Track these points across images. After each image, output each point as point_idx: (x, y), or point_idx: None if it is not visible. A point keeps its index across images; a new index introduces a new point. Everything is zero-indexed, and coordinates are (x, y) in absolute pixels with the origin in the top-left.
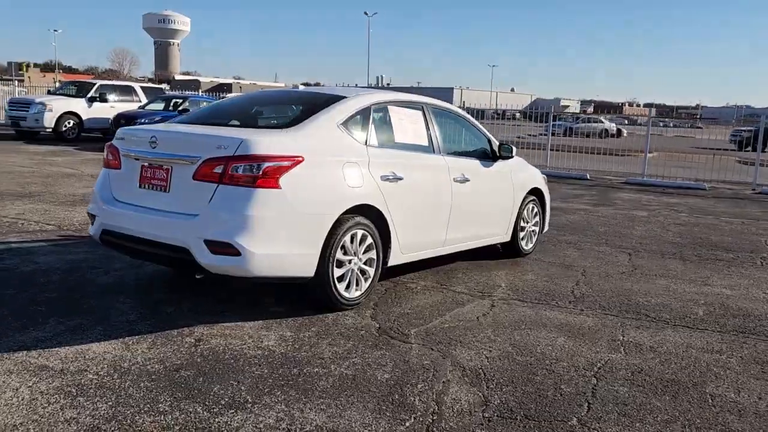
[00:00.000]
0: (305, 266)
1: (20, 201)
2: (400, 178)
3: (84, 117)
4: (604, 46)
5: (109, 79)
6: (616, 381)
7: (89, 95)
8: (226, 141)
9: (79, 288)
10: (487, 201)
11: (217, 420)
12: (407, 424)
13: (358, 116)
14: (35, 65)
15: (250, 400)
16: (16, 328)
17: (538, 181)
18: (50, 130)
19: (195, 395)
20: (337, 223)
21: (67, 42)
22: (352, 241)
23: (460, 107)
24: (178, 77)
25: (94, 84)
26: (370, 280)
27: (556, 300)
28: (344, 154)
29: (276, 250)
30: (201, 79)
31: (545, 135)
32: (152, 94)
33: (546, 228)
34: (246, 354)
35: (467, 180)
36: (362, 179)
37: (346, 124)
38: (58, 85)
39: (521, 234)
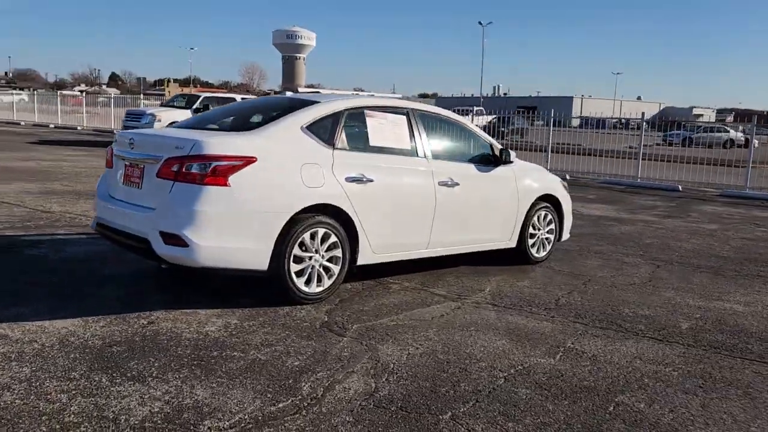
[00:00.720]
0: (256, 260)
1: (92, 200)
2: (371, 180)
3: None
4: (748, 50)
5: (240, 92)
6: (523, 383)
7: (194, 106)
8: (184, 142)
9: (83, 276)
10: (484, 205)
11: (112, 389)
12: (280, 405)
13: (327, 120)
14: (175, 81)
15: (154, 375)
16: (6, 304)
17: (552, 187)
18: None
19: (109, 368)
20: (293, 221)
21: (206, 59)
22: (312, 239)
23: (578, 116)
24: (301, 89)
25: (200, 96)
26: (334, 277)
27: (532, 306)
28: (305, 155)
29: (223, 243)
30: (321, 90)
31: (660, 144)
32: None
33: (565, 236)
34: (182, 336)
35: (456, 184)
36: (323, 180)
37: (311, 127)
38: (168, 97)
39: (531, 241)
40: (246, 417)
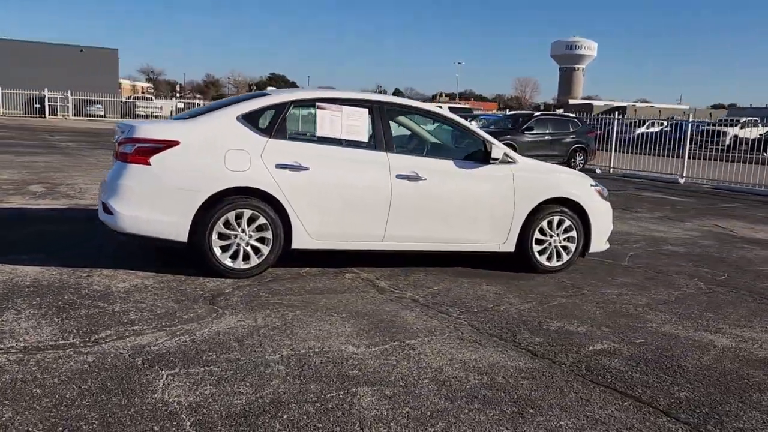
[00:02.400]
0: (174, 232)
1: None
2: (305, 168)
3: None
4: None
5: (514, 106)
6: (302, 364)
7: None
8: (127, 127)
9: (82, 237)
10: (463, 203)
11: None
12: (68, 341)
13: (268, 111)
14: (447, 95)
15: (8, 306)
16: (19, 252)
17: (569, 191)
18: None
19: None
20: (214, 200)
21: (481, 73)
22: (238, 219)
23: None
24: (572, 101)
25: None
26: (263, 257)
27: (460, 310)
28: (234, 142)
29: (142, 214)
30: (596, 102)
31: None
32: (462, 115)
33: (598, 247)
34: (80, 286)
35: (421, 179)
36: (249, 164)
37: (247, 117)
38: None
39: (538, 247)
40: (35, 343)
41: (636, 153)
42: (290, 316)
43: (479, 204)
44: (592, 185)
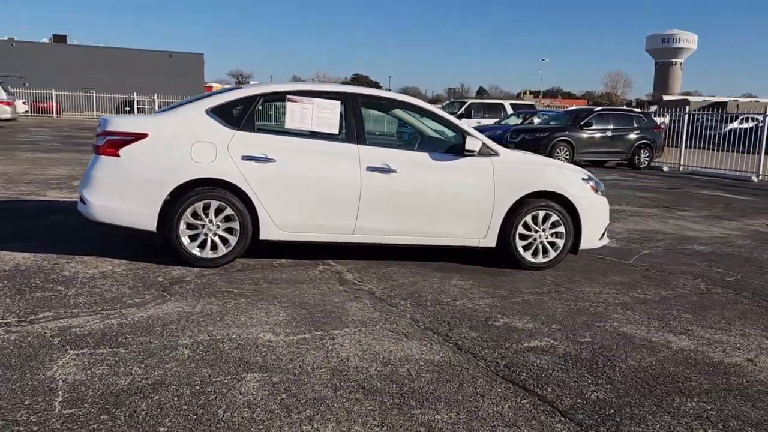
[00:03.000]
0: (143, 221)
1: None
2: (272, 160)
3: None
4: None
5: (603, 103)
6: (200, 354)
7: (458, 112)
8: (102, 121)
9: (91, 228)
10: (437, 196)
11: None
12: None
13: (238, 105)
14: (531, 92)
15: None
16: (14, 239)
17: (557, 185)
18: None
19: None
20: (182, 191)
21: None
22: (206, 209)
23: None
24: (667, 98)
25: (466, 102)
26: (231, 247)
27: (411, 303)
28: (201, 135)
29: (112, 204)
30: (693, 98)
31: None
32: (525, 112)
33: (592, 243)
34: (52, 271)
35: (393, 171)
36: (215, 156)
37: (215, 110)
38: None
39: (522, 242)
40: None
41: (720, 150)
42: (231, 304)
43: (456, 197)
44: (583, 179)
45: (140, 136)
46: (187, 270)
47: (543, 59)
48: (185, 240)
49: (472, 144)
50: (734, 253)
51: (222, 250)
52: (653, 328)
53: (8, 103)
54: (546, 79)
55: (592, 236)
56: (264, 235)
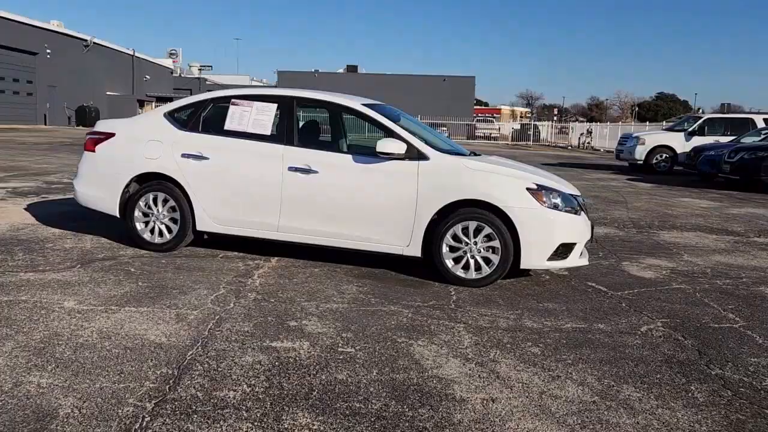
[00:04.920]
0: (109, 207)
1: None
2: (206, 158)
3: (678, 150)
4: None
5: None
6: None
7: (690, 129)
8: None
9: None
10: (357, 199)
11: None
12: None
13: (188, 108)
14: None
15: None
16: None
17: (489, 193)
18: (641, 162)
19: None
20: (135, 182)
21: None
22: (155, 200)
23: None
24: None
25: (701, 117)
26: (174, 234)
27: (255, 295)
28: (154, 135)
29: (89, 191)
30: None
31: None
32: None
33: (541, 263)
34: (45, 245)
35: (314, 171)
36: (161, 154)
37: (172, 113)
38: (673, 120)
39: (451, 255)
40: None
41: None
42: (96, 276)
43: (375, 201)
44: (530, 188)
45: (110, 135)
46: (135, 252)
47: None
48: (139, 225)
49: (384, 146)
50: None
51: (167, 236)
52: (453, 357)
53: None
54: None
55: (536, 254)
56: (200, 226)
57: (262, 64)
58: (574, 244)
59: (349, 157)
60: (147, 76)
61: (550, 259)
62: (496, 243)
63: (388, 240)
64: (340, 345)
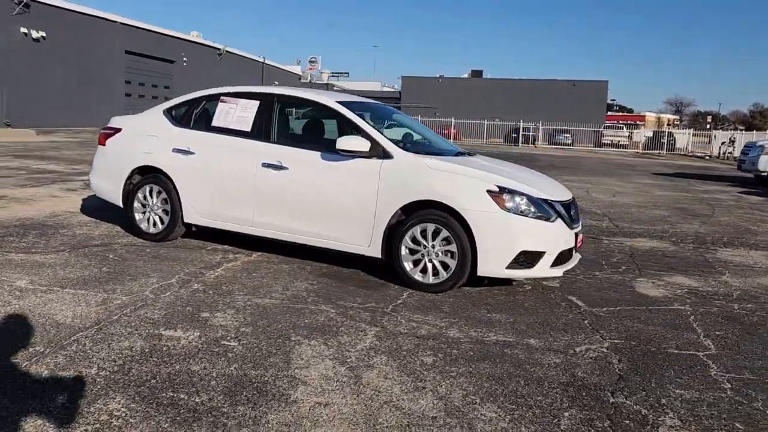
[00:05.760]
0: (114, 197)
1: None
2: (192, 153)
3: None
4: None
5: None
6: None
7: None
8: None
9: None
10: (322, 197)
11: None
12: None
13: (184, 105)
14: None
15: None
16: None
17: (444, 194)
18: (765, 173)
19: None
20: (134, 175)
21: None
22: (151, 192)
23: None
24: None
25: None
26: (165, 225)
27: (185, 285)
28: (153, 130)
29: (99, 183)
30: None
31: None
32: None
33: (499, 271)
34: (52, 225)
35: (284, 168)
36: (156, 148)
37: (169, 110)
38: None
39: (411, 257)
40: None
41: None
42: (72, 260)
43: (339, 200)
44: (491, 191)
45: (117, 131)
46: (131, 240)
47: None
48: (137, 216)
49: (344, 143)
50: None
51: (159, 227)
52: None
53: None
54: None
55: (493, 261)
56: (187, 218)
57: (399, 70)
58: (542, 253)
59: (318, 154)
60: (276, 82)
61: (511, 267)
62: (453, 247)
63: (352, 240)
64: (227, 338)
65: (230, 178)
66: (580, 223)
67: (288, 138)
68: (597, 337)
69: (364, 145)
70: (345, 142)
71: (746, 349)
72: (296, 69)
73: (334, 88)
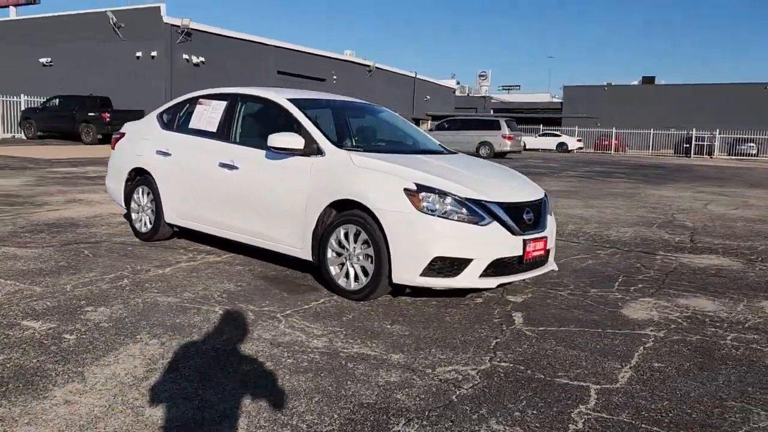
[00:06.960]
0: (119, 198)
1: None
2: (169, 154)
3: None
4: None
5: None
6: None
7: None
8: None
9: None
10: (264, 196)
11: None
12: None
13: (172, 108)
14: None
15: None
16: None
17: (359, 193)
18: None
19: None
20: (131, 177)
21: None
22: (141, 193)
23: None
24: None
25: None
26: (152, 225)
27: (128, 284)
28: (146, 134)
29: (110, 184)
30: None
31: None
32: None
33: (413, 279)
34: (78, 225)
35: (235, 167)
36: (144, 151)
37: (161, 114)
38: None
39: (337, 261)
40: None
41: None
42: (45, 254)
43: (274, 199)
44: (408, 189)
45: (122, 135)
46: (125, 240)
47: None
48: (133, 216)
49: (274, 140)
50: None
51: (148, 227)
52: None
53: (509, 138)
54: None
55: (406, 267)
56: (167, 218)
57: (571, 80)
58: (468, 260)
59: (263, 153)
60: (427, 96)
61: (426, 275)
62: (370, 250)
63: (287, 241)
64: (74, 332)
65: (198, 179)
66: (547, 228)
67: (245, 137)
68: (486, 358)
69: (297, 142)
70: (275, 139)
71: (671, 386)
72: (451, 83)
73: (492, 101)
